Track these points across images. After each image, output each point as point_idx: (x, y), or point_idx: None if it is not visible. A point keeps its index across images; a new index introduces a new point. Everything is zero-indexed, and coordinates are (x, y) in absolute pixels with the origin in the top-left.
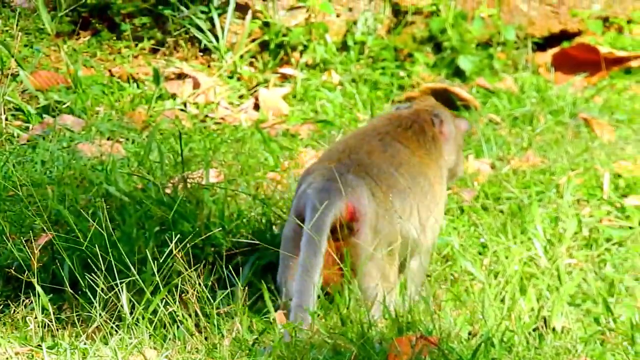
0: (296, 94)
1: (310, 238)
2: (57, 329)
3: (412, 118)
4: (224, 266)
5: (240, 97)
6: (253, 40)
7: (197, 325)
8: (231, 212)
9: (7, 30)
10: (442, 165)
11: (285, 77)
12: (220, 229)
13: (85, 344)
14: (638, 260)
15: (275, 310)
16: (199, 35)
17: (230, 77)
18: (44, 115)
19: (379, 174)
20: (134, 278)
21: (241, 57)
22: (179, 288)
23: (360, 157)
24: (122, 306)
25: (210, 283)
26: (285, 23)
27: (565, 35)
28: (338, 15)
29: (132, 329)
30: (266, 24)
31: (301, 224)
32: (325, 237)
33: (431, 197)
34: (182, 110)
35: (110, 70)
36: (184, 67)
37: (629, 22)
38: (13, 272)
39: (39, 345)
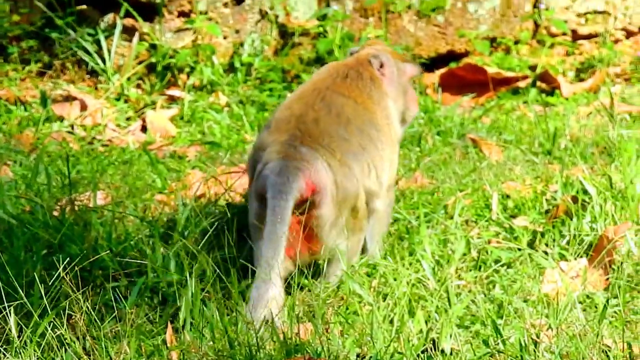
0: (183, 116)
1: (275, 211)
2: None
3: (349, 65)
4: (111, 288)
5: (128, 119)
6: (140, 63)
7: (84, 348)
8: (119, 234)
9: None
10: (389, 105)
11: (172, 99)
12: (108, 251)
13: None
14: (527, 281)
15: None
16: (86, 57)
17: (118, 99)
18: None
19: (331, 142)
20: (21, 301)
21: (128, 79)
22: (66, 311)
23: (309, 127)
24: (10, 329)
25: (98, 305)
26: (172, 45)
27: (452, 56)
28: (225, 37)
29: (20, 353)
30: (153, 46)
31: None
32: (287, 227)
33: (384, 142)
34: (69, 132)
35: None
36: (71, 89)
37: (516, 42)
38: None
39: None
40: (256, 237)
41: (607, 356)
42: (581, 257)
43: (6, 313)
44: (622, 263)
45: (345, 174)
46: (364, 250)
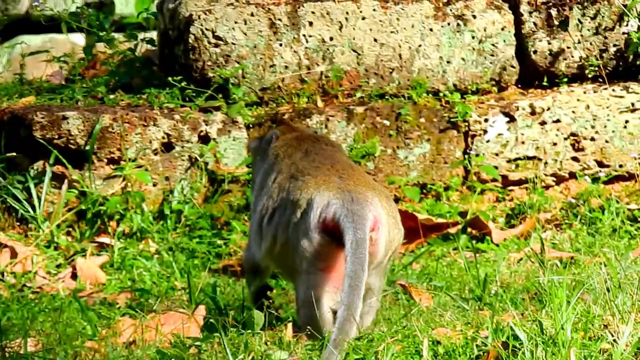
0: (114, 263)
1: (357, 250)
2: None
3: (305, 136)
4: None
5: (58, 266)
6: (70, 210)
7: None
8: None
9: None
10: None
11: (102, 246)
12: None
13: None
14: None
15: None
16: (16, 205)
17: (48, 247)
18: None
19: (375, 186)
20: None
21: (58, 226)
22: None
23: (347, 171)
24: None
25: None
26: (102, 192)
27: None
28: (155, 184)
29: None
30: (83, 194)
31: (327, 237)
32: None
33: None
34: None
35: None
36: (1, 236)
37: (446, 188)
38: None
39: None
40: (311, 271)
41: None
42: None
43: None
44: None
45: (394, 216)
46: None
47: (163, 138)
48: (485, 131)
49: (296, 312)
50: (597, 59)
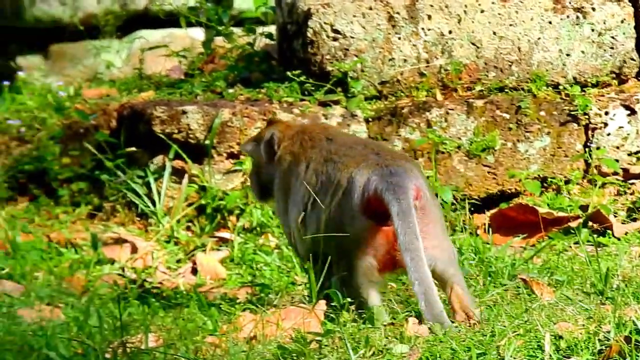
0: (234, 258)
1: (406, 220)
2: None
3: (309, 126)
4: None
5: (178, 261)
6: (190, 205)
7: None
8: None
9: None
10: None
11: (222, 241)
12: None
13: None
14: None
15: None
16: (136, 200)
17: (168, 242)
18: None
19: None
20: None
21: (178, 221)
22: None
23: (378, 149)
24: None
25: None
26: (221, 187)
27: (503, 196)
28: None
29: None
30: (202, 188)
31: (371, 218)
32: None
33: None
34: (120, 275)
35: (48, 236)
36: (122, 232)
37: (566, 182)
38: None
39: None
40: (358, 254)
41: None
42: None
43: None
44: None
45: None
46: None
47: None
48: (605, 124)
49: (340, 291)
50: None
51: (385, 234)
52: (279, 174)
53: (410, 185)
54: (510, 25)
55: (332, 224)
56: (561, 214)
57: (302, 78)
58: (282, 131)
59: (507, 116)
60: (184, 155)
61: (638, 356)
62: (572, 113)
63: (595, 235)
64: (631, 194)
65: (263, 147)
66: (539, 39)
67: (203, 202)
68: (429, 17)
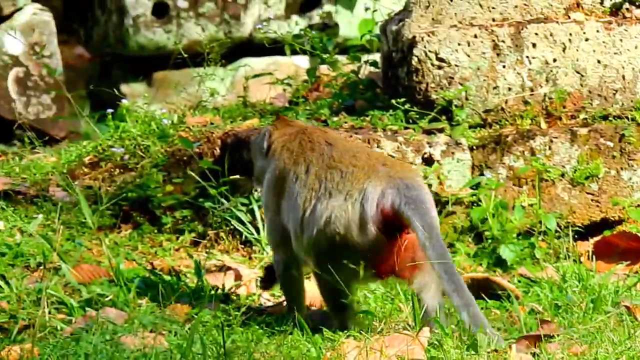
0: None
1: (432, 233)
2: None
3: (307, 128)
4: None
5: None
6: None
7: None
8: None
9: (48, 225)
10: None
11: None
12: None
13: None
14: None
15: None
16: (240, 227)
17: None
18: (87, 309)
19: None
20: None
21: None
22: None
23: (384, 159)
24: None
25: None
26: None
27: (606, 224)
28: None
29: None
30: None
31: (382, 229)
32: None
33: None
34: (223, 302)
35: (151, 263)
36: (225, 259)
37: None
38: None
39: None
40: (356, 261)
41: None
42: None
43: None
44: None
45: None
46: None
47: None
48: None
49: (325, 303)
50: None
51: (395, 245)
52: (272, 169)
53: (429, 199)
54: (615, 53)
55: (332, 228)
56: None
57: (407, 106)
58: (281, 129)
59: (611, 144)
60: None
61: None
62: None
63: None
64: None
65: (258, 141)
66: None
67: None
68: (534, 45)
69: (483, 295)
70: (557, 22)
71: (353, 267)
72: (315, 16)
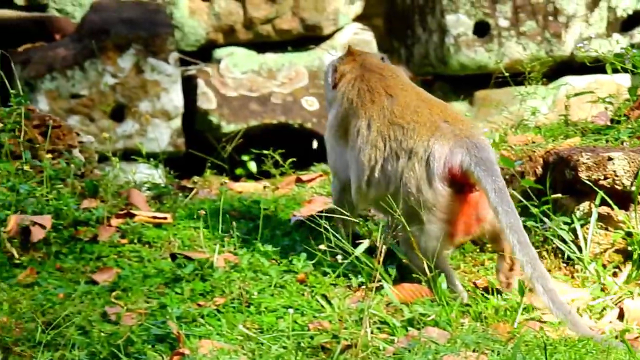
0: None
1: (504, 198)
2: None
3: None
4: None
5: (604, 308)
6: (616, 251)
7: None
8: None
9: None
10: None
11: None
12: None
13: None
14: None
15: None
16: (562, 246)
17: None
18: (409, 328)
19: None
20: None
21: (604, 267)
22: None
23: (445, 114)
24: None
25: None
26: None
27: None
28: None
29: None
30: (629, 234)
31: (450, 187)
32: None
33: None
34: (543, 321)
35: (474, 283)
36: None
37: None
38: None
39: None
40: (432, 220)
41: None
42: None
43: None
44: None
45: None
46: None
47: None
48: None
49: (406, 255)
50: None
51: (463, 202)
52: (336, 111)
53: (495, 160)
54: None
55: (405, 190)
56: None
57: None
58: (346, 64)
59: None
60: (610, 202)
61: None
62: None
63: None
64: None
65: (327, 72)
66: None
67: (629, 248)
68: None
69: None
70: None
71: (430, 228)
72: (637, 34)
